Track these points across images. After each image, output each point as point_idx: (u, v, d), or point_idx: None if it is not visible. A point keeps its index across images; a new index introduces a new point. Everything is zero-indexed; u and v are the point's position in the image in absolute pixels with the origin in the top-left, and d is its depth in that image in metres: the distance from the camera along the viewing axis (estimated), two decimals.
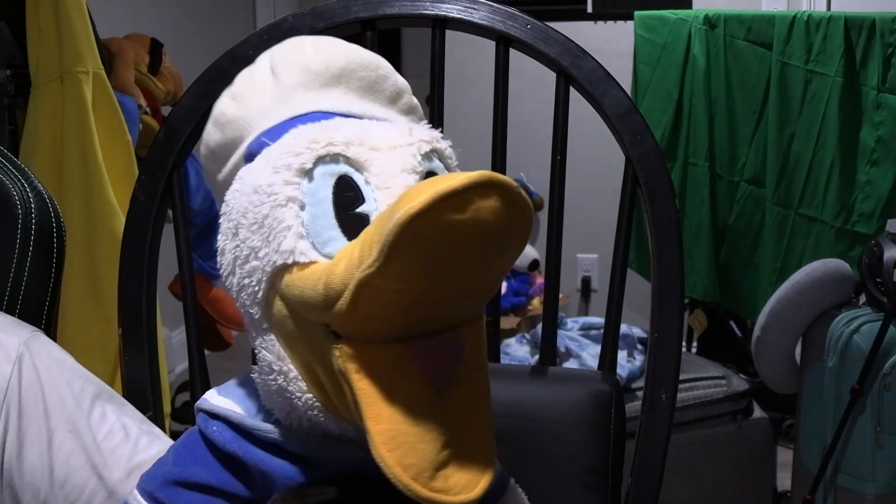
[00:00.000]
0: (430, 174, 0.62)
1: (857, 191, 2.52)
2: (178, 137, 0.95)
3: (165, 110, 2.30)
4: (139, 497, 0.67)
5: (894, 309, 1.76)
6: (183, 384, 2.58)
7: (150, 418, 0.93)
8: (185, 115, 0.95)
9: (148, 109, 2.19)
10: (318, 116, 0.65)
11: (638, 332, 2.26)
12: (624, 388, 1.88)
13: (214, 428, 0.66)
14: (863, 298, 1.90)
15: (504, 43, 0.96)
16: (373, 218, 0.59)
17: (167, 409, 2.03)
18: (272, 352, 0.63)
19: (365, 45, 0.96)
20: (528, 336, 2.35)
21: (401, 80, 0.71)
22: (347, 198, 0.59)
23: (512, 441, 0.90)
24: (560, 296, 1.10)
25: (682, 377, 1.42)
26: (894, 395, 1.78)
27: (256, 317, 0.63)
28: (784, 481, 2.15)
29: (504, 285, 3.13)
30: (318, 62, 0.66)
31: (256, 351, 0.65)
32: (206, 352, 1.02)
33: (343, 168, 0.60)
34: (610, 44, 2.82)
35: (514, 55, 0.97)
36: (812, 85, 2.52)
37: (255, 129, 0.66)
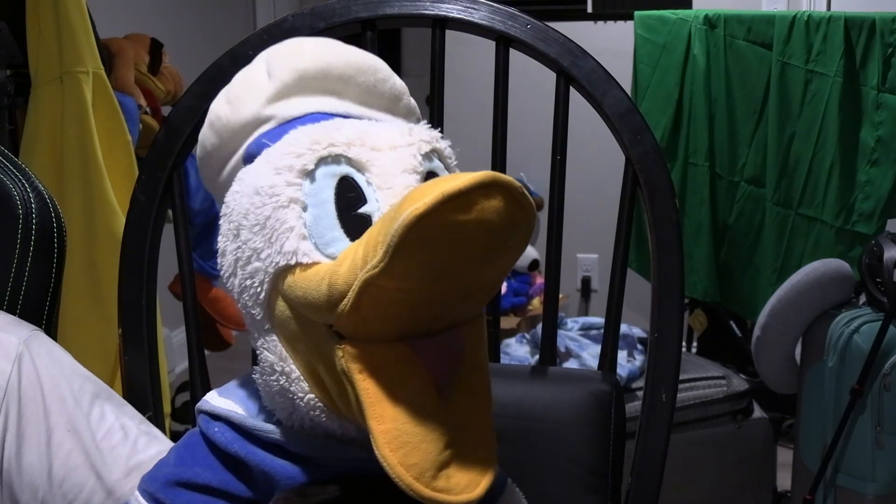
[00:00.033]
0: (430, 174, 0.62)
1: (857, 191, 2.52)
2: (178, 137, 0.95)
3: (165, 110, 2.30)
4: (140, 498, 0.67)
5: (894, 309, 1.76)
6: (183, 384, 2.58)
7: (149, 418, 0.93)
8: (185, 115, 0.95)
9: (148, 109, 2.19)
10: (318, 117, 0.65)
11: (638, 332, 2.26)
12: (624, 388, 1.88)
13: (216, 429, 0.66)
14: (863, 298, 1.90)
15: (504, 43, 0.96)
16: (375, 218, 0.59)
17: (167, 409, 2.03)
18: (274, 352, 0.63)
19: (365, 45, 0.97)
20: (528, 336, 2.35)
21: (399, 83, 0.71)
22: (349, 198, 0.59)
23: (512, 441, 0.90)
24: (560, 296, 1.10)
25: (682, 377, 1.42)
26: (894, 395, 1.78)
27: (258, 318, 0.63)
28: (784, 481, 2.15)
29: (504, 285, 3.13)
30: (317, 67, 0.66)
31: (258, 352, 0.65)
32: (206, 352, 1.02)
33: (345, 169, 0.60)
34: (610, 44, 2.81)
35: (514, 55, 0.97)
36: (812, 85, 2.52)
37: (251, 132, 0.66)
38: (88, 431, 0.74)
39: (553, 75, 0.96)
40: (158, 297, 1.00)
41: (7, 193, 0.87)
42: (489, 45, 0.97)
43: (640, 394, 1.62)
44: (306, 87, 0.66)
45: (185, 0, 3.57)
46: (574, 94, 0.96)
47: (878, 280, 1.82)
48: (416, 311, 0.55)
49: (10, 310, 0.87)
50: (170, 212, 0.97)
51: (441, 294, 0.55)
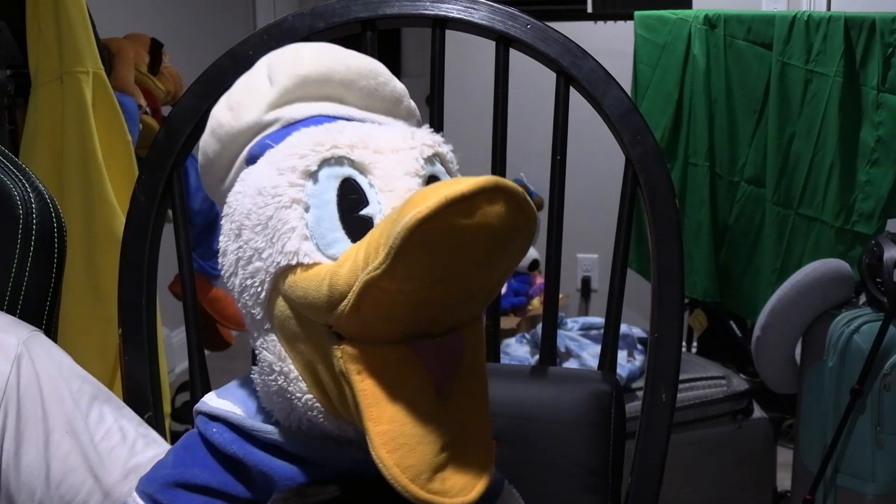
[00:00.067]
0: (432, 178, 0.62)
1: (857, 191, 2.52)
2: (178, 137, 0.95)
3: (165, 110, 2.30)
4: (139, 500, 0.67)
5: (894, 309, 1.76)
6: (183, 384, 2.58)
7: (149, 418, 0.93)
8: (185, 115, 0.95)
9: (148, 109, 2.19)
10: (320, 120, 0.65)
11: (638, 332, 2.26)
12: (624, 388, 1.88)
13: (214, 430, 0.66)
14: (863, 298, 1.90)
15: (504, 43, 0.96)
16: (376, 220, 0.59)
17: (167, 409, 2.03)
18: (273, 352, 0.63)
19: (365, 45, 0.97)
20: (528, 336, 2.35)
21: (399, 86, 0.71)
22: (351, 200, 0.59)
23: (512, 441, 0.90)
24: (560, 296, 1.10)
25: (682, 377, 1.42)
26: (894, 395, 1.78)
27: (258, 317, 0.63)
28: (784, 481, 2.15)
29: (504, 285, 3.12)
30: (318, 72, 0.67)
31: (257, 352, 0.65)
32: (206, 352, 1.02)
33: (347, 171, 0.60)
34: (610, 44, 2.81)
35: (514, 55, 0.97)
36: (812, 85, 2.52)
37: (253, 137, 0.66)
38: (87, 433, 0.74)
39: (553, 75, 0.96)
40: (158, 297, 1.00)
41: (7, 193, 0.87)
42: (489, 45, 0.97)
43: (640, 394, 1.62)
44: (308, 91, 0.66)
45: (185, 0, 3.57)
46: (574, 94, 0.96)
47: (878, 280, 1.82)
48: (417, 312, 0.55)
49: (11, 309, 0.87)
50: (170, 212, 0.97)
51: (442, 296, 0.55)
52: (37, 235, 0.87)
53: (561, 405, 0.93)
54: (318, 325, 0.58)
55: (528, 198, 0.54)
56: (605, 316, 0.97)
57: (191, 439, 0.68)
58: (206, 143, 0.69)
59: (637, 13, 2.67)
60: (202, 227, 2.24)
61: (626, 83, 2.66)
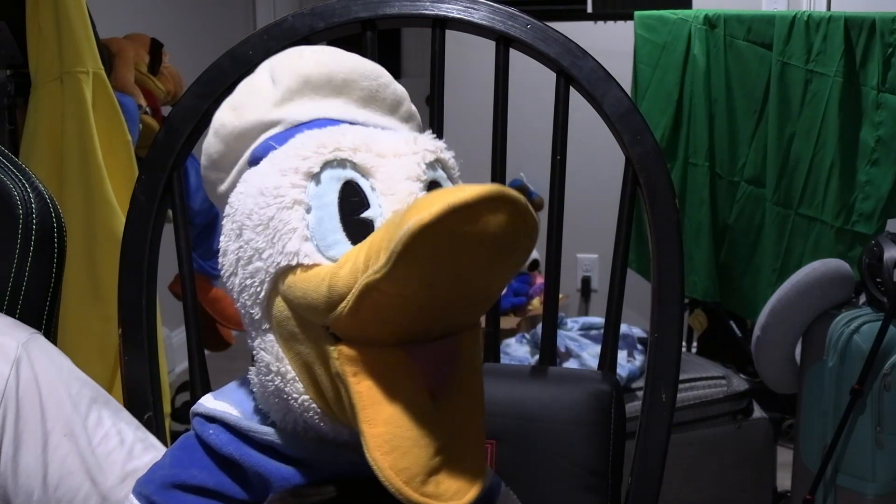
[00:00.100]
0: (433, 183, 0.62)
1: (857, 191, 2.52)
2: (178, 137, 0.95)
3: (165, 110, 2.30)
4: (136, 501, 0.67)
5: (894, 309, 1.76)
6: (183, 384, 2.58)
7: (149, 418, 0.93)
8: (185, 115, 0.95)
9: (148, 109, 2.19)
10: (323, 123, 0.65)
11: (638, 332, 2.26)
12: (624, 388, 1.88)
13: (211, 431, 0.66)
14: (863, 298, 1.90)
15: (504, 43, 0.96)
16: (377, 223, 0.59)
17: (167, 409, 2.03)
18: (271, 353, 0.63)
19: (365, 45, 0.97)
20: (528, 336, 2.35)
21: (400, 89, 0.71)
22: (353, 202, 0.60)
23: (512, 441, 0.90)
24: (560, 296, 1.10)
25: (682, 377, 1.42)
26: (894, 395, 1.78)
27: (257, 317, 0.63)
28: (784, 481, 2.15)
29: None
30: (320, 73, 0.67)
31: (254, 352, 0.65)
32: (206, 352, 1.02)
33: (349, 173, 0.60)
34: (610, 44, 2.81)
35: (514, 55, 0.97)
36: (812, 85, 2.52)
37: (256, 137, 0.66)
38: (85, 436, 0.74)
39: (553, 75, 0.96)
40: (158, 297, 1.00)
41: (7, 193, 0.87)
42: (489, 45, 0.97)
43: (640, 394, 1.62)
44: (310, 91, 0.67)
45: (185, 0, 3.57)
46: (574, 94, 0.96)
47: (878, 280, 1.82)
48: (415, 316, 0.55)
49: (10, 309, 0.86)
50: (170, 212, 0.97)
51: (441, 301, 0.55)
52: (37, 235, 0.87)
53: (561, 405, 0.93)
54: (316, 325, 0.58)
55: (531, 207, 0.53)
56: (605, 316, 0.97)
57: (187, 441, 0.68)
58: (209, 144, 0.70)
59: (637, 13, 2.67)
60: (202, 227, 2.24)
61: (626, 83, 2.66)
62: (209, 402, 0.68)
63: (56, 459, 0.73)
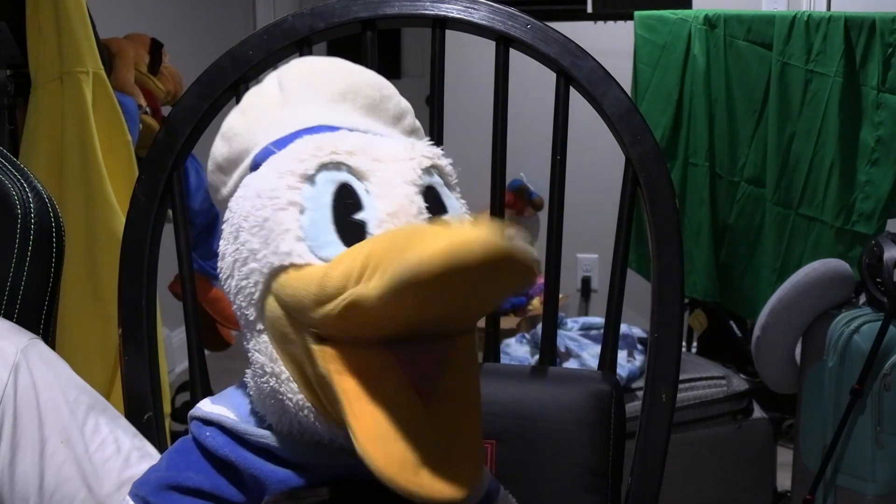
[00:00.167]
0: (429, 189, 0.63)
1: (857, 191, 2.52)
2: (178, 137, 0.95)
3: (165, 110, 2.30)
4: (132, 503, 0.67)
5: (894, 309, 1.76)
6: (183, 384, 2.58)
7: (149, 418, 0.93)
8: (185, 115, 0.95)
9: (148, 109, 2.19)
10: (324, 129, 0.66)
11: (638, 332, 2.26)
12: (624, 388, 1.88)
13: (208, 433, 0.66)
14: (863, 298, 1.90)
15: (504, 43, 0.96)
16: (370, 226, 0.59)
17: (167, 409, 2.03)
18: (265, 353, 0.63)
19: (365, 45, 0.97)
20: (528, 336, 2.35)
21: (404, 102, 0.72)
22: (347, 205, 0.60)
23: (512, 441, 0.90)
24: (560, 296, 1.10)
25: (682, 377, 1.42)
26: (894, 395, 1.78)
27: (251, 319, 0.64)
28: (784, 481, 2.15)
29: None
30: (325, 80, 0.68)
31: (249, 354, 0.65)
32: (206, 352, 1.02)
33: (345, 176, 0.61)
34: (610, 44, 2.81)
35: (514, 55, 0.97)
36: (812, 85, 2.51)
37: (260, 141, 0.67)
38: (82, 443, 0.74)
39: (553, 75, 0.96)
40: (158, 297, 1.00)
41: (6, 193, 0.87)
42: (489, 45, 0.97)
43: (640, 394, 1.62)
44: (314, 98, 0.68)
45: (184, 0, 3.57)
46: (574, 94, 0.96)
47: (878, 280, 1.82)
48: (403, 325, 0.56)
49: (9, 310, 0.86)
50: (170, 212, 0.97)
51: (431, 317, 0.56)
52: (35, 236, 0.87)
53: (561, 405, 0.93)
54: (304, 325, 0.59)
55: (536, 261, 0.52)
56: (605, 316, 0.97)
57: (184, 444, 0.68)
58: (216, 147, 0.70)
59: (637, 13, 2.67)
60: (202, 227, 2.24)
61: (626, 83, 2.66)
62: (206, 406, 0.68)
63: (53, 466, 0.73)
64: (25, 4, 1.71)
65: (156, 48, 2.30)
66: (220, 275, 0.67)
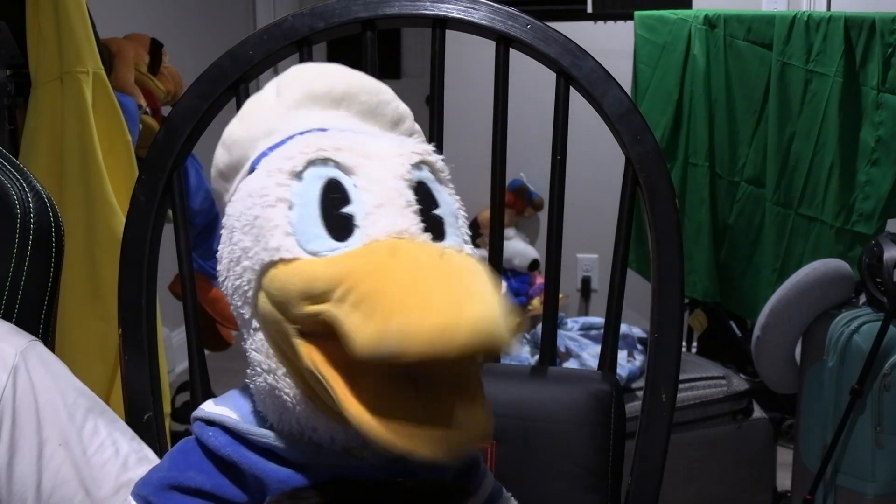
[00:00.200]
0: (419, 184, 0.63)
1: (857, 191, 2.52)
2: (178, 137, 0.95)
3: (165, 110, 2.29)
4: (134, 503, 0.67)
5: (894, 309, 1.76)
6: (183, 384, 2.58)
7: (149, 418, 0.93)
8: (185, 115, 0.95)
9: (148, 109, 2.19)
10: (319, 132, 0.66)
11: (638, 332, 2.26)
12: (624, 388, 1.88)
13: (210, 433, 0.66)
14: (863, 298, 1.90)
15: (504, 43, 0.96)
16: (357, 219, 0.60)
17: (167, 409, 2.03)
18: (261, 351, 0.64)
19: (365, 45, 0.97)
20: (528, 336, 2.35)
21: (402, 107, 0.72)
22: (334, 199, 0.61)
23: (512, 441, 0.90)
24: (560, 296, 1.10)
25: (682, 377, 1.42)
26: (894, 395, 1.78)
27: (247, 317, 0.64)
28: (784, 481, 2.15)
29: (504, 285, 3.12)
30: (322, 85, 0.69)
31: (247, 353, 0.65)
32: (206, 352, 1.02)
33: (332, 171, 0.61)
34: (610, 44, 2.81)
35: (514, 55, 0.97)
36: (812, 85, 2.52)
37: (259, 147, 0.67)
38: (80, 446, 0.74)
39: (553, 75, 0.96)
40: (158, 297, 1.00)
41: (5, 193, 0.87)
42: (489, 45, 0.97)
43: (640, 394, 1.62)
44: (311, 103, 0.68)
45: (185, 0, 3.57)
46: (574, 94, 0.96)
47: (878, 280, 1.82)
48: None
49: (8, 310, 0.86)
50: (170, 212, 0.97)
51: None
52: (34, 236, 0.87)
53: (561, 405, 0.93)
54: (290, 320, 0.59)
55: (514, 342, 0.55)
56: (605, 316, 0.97)
57: (186, 444, 0.68)
58: (218, 155, 0.71)
59: (637, 13, 2.67)
60: (202, 227, 2.24)
61: (626, 83, 2.66)
62: (209, 407, 0.69)
63: (50, 468, 0.73)
64: (25, 4, 1.71)
65: (156, 48, 2.29)
66: (219, 276, 0.67)
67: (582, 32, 3.09)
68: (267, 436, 0.64)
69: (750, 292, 2.67)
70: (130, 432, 0.80)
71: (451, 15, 0.96)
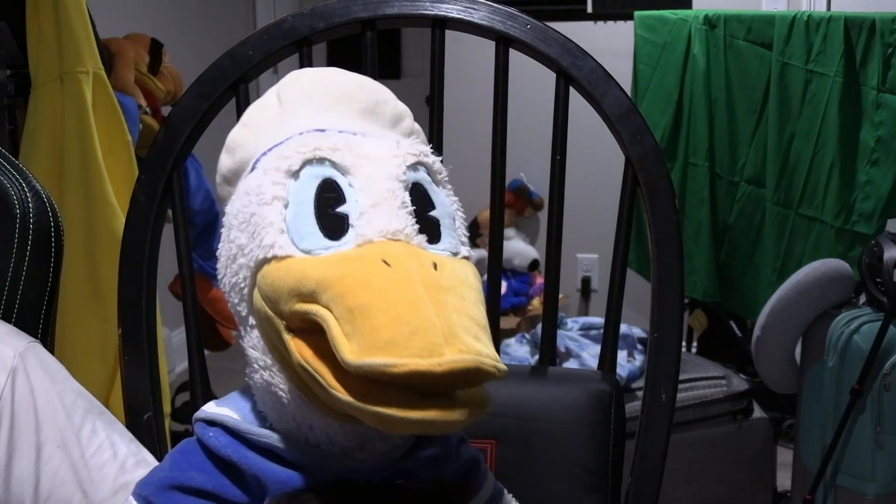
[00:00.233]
0: (415, 184, 0.63)
1: (857, 191, 2.52)
2: (178, 137, 0.95)
3: (165, 110, 2.29)
4: (135, 503, 0.67)
5: (894, 309, 1.76)
6: (183, 384, 2.58)
7: (149, 419, 0.93)
8: (185, 115, 0.95)
9: (148, 109, 2.19)
10: (316, 132, 0.66)
11: (638, 332, 2.26)
12: (624, 388, 1.88)
13: (211, 434, 0.66)
14: (863, 298, 1.90)
15: (504, 43, 0.96)
16: (352, 218, 0.60)
17: (167, 409, 2.03)
18: (258, 348, 0.64)
19: (365, 45, 0.97)
20: (528, 336, 2.35)
21: (401, 106, 0.73)
22: (329, 198, 0.61)
23: (512, 441, 0.90)
24: (560, 296, 1.10)
25: (682, 377, 1.42)
26: (894, 395, 1.78)
27: (244, 314, 0.65)
28: (784, 481, 2.15)
29: (504, 285, 3.13)
30: (321, 88, 0.70)
31: (245, 351, 0.66)
32: (206, 352, 1.02)
33: (328, 171, 0.62)
34: (610, 44, 2.82)
35: (514, 55, 0.97)
36: (812, 85, 2.52)
37: (260, 150, 0.68)
38: (78, 448, 0.74)
39: (553, 75, 0.96)
40: (158, 297, 1.00)
41: (4, 193, 0.87)
42: (489, 45, 0.97)
43: (640, 394, 1.62)
44: (309, 104, 0.69)
45: (185, 0, 3.57)
46: (574, 94, 0.96)
47: (878, 280, 1.82)
48: None
49: (8, 311, 0.86)
50: (170, 212, 0.97)
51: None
52: (34, 236, 0.87)
53: (561, 405, 0.93)
54: (280, 316, 0.60)
55: (500, 371, 0.55)
56: (605, 316, 0.97)
57: (188, 444, 0.68)
58: (221, 161, 0.72)
59: (637, 13, 2.67)
60: (202, 227, 2.24)
61: (626, 83, 2.66)
62: (210, 408, 0.69)
63: (48, 470, 0.73)
64: (25, 4, 1.71)
65: (156, 48, 2.29)
66: (218, 276, 0.68)
67: (582, 32, 3.09)
68: (267, 436, 0.64)
69: (750, 292, 2.67)
70: (129, 434, 0.80)
71: (451, 15, 0.96)
